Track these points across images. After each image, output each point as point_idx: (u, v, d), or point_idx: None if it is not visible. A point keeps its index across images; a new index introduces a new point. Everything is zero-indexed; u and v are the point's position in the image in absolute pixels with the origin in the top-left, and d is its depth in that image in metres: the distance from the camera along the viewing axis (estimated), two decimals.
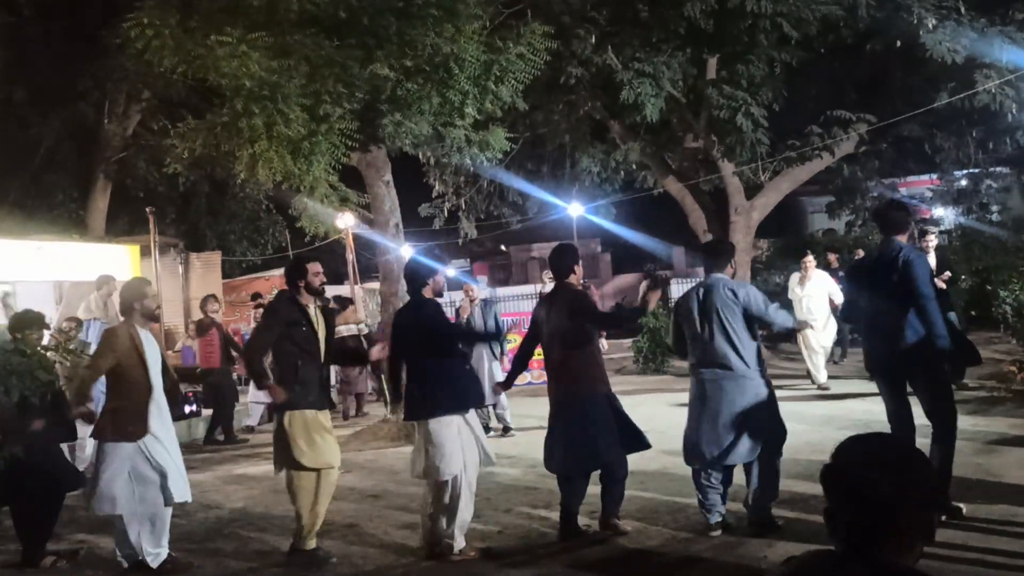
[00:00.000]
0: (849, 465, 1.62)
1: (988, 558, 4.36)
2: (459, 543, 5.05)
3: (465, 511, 5.07)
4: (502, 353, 9.63)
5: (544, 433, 5.47)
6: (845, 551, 1.58)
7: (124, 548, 5.18)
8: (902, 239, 5.20)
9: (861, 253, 12.70)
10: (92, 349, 8.23)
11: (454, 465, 4.98)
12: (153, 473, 5.06)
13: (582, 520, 5.36)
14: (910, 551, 1.58)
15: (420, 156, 11.72)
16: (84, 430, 6.00)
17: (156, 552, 5.11)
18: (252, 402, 11.27)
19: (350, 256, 11.73)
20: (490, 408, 9.41)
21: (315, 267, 5.30)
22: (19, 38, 14.26)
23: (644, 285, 5.25)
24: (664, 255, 30.82)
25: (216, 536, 6.02)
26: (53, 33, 14.83)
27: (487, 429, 9.26)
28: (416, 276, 5.34)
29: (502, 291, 28.11)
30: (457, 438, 5.02)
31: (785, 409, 8.81)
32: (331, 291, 14.92)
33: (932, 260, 8.44)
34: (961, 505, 4.94)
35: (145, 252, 12.79)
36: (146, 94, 14.75)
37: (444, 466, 4.96)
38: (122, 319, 5.39)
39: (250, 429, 10.97)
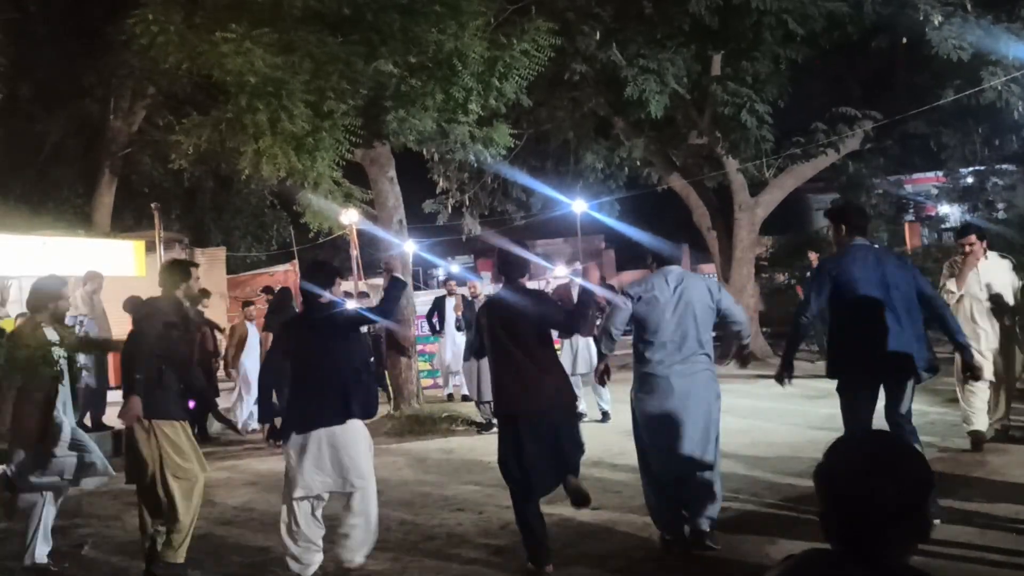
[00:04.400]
0: (841, 464, 1.60)
1: (989, 556, 4.36)
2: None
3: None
4: None
5: None
6: (843, 551, 1.57)
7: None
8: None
9: (814, 257, 12.01)
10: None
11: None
12: None
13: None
14: (905, 550, 1.57)
15: (424, 152, 11.73)
16: None
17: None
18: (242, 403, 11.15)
19: (354, 252, 11.73)
20: (489, 405, 9.40)
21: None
22: (25, 34, 14.30)
23: None
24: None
25: (217, 532, 6.03)
26: (58, 29, 14.87)
27: (490, 425, 9.27)
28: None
29: None
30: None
31: (787, 407, 8.89)
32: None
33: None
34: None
35: (150, 247, 12.82)
36: (151, 90, 14.78)
37: None
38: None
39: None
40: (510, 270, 4.92)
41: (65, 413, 5.14)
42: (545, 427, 4.62)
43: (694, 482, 4.72)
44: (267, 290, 11.54)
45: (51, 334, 5.11)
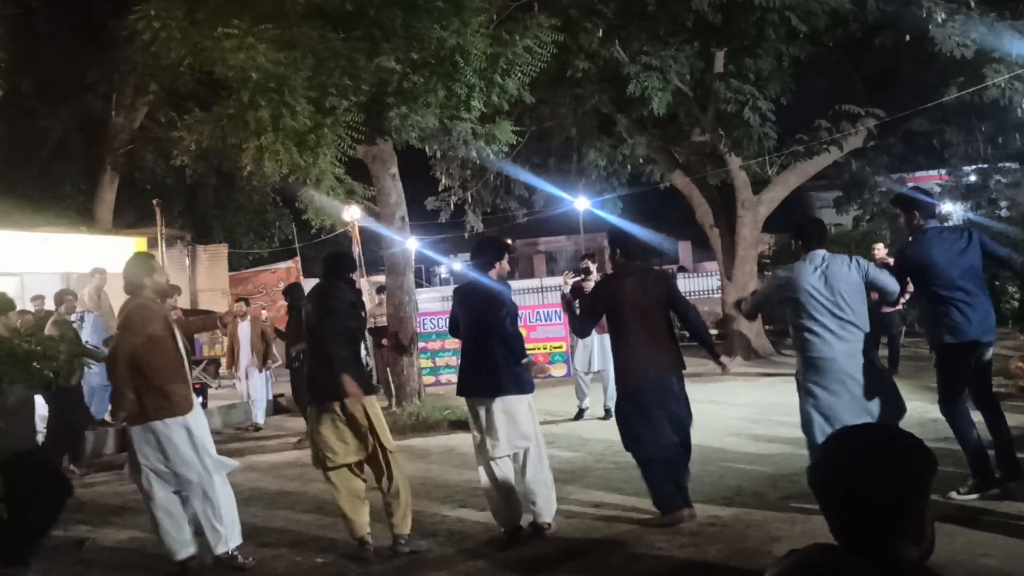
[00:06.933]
0: (838, 461, 1.58)
1: (995, 554, 4.35)
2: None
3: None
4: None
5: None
6: (846, 546, 1.56)
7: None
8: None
9: (882, 247, 11.13)
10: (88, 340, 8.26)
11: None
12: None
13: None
14: (907, 544, 1.56)
15: (426, 149, 11.71)
16: None
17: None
18: (253, 399, 11.13)
19: (356, 249, 11.73)
20: None
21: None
22: (27, 30, 14.29)
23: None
24: (671, 249, 30.80)
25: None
26: (61, 25, 14.87)
27: None
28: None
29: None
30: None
31: (790, 403, 8.84)
32: None
33: None
34: None
35: (152, 244, 12.84)
36: (153, 86, 14.75)
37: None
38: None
39: (257, 428, 10.85)
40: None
41: None
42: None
43: None
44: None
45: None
